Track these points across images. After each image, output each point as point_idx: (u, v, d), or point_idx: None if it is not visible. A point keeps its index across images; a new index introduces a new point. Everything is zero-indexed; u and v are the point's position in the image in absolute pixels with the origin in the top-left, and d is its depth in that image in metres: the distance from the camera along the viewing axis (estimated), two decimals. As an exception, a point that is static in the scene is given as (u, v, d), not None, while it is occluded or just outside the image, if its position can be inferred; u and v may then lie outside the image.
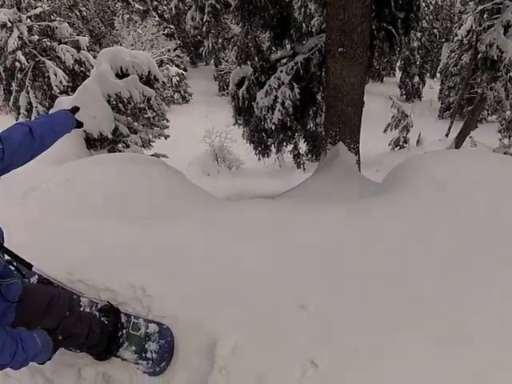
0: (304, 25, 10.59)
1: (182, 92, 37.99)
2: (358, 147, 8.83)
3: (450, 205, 3.60)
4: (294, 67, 9.44)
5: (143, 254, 3.29)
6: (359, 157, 8.89)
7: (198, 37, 43.77)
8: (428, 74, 54.29)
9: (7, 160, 1.99)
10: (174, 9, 10.22)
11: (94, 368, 2.68)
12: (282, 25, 10.06)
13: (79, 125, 2.74)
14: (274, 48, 10.81)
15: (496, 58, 13.40)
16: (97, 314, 2.76)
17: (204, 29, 9.61)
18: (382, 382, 2.33)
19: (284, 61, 10.13)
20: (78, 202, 4.25)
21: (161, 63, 34.72)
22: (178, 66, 37.67)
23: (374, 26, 8.92)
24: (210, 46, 10.43)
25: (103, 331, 2.65)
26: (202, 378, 2.49)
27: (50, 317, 2.29)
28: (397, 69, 51.97)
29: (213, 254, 3.29)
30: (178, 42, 38.82)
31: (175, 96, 37.22)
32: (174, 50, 36.74)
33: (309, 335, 2.57)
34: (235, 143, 18.51)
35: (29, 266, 2.20)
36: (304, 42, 10.22)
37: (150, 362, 2.64)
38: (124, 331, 2.73)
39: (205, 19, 9.10)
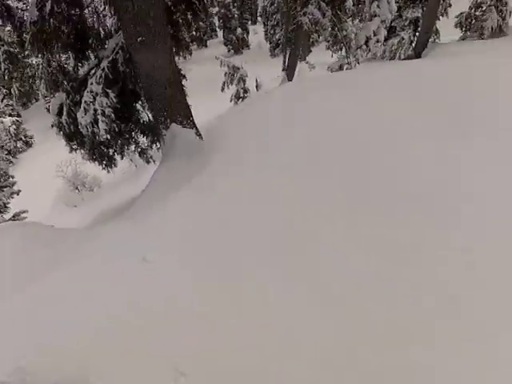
0: (101, 29, 10.43)
1: (23, 138, 36.39)
2: (193, 120, 8.85)
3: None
4: (102, 74, 9.28)
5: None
6: (197, 128, 8.95)
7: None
8: (249, 22, 55.21)
9: None
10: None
11: None
12: (81, 38, 9.81)
13: None
14: (79, 64, 10.54)
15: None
16: None
17: (6, 78, 9.28)
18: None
19: (93, 71, 9.94)
20: None
21: (-6, 119, 33.26)
22: (10, 114, 36.08)
23: (170, 2, 8.92)
24: (17, 91, 10.13)
25: None
26: None
27: None
28: (217, 29, 52.46)
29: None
30: (4, 91, 37.00)
31: (18, 145, 35.62)
32: (2, 100, 35.16)
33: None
34: (86, 164, 18.17)
35: None
36: (106, 46, 10.06)
37: None
38: None
39: (3, 67, 8.74)
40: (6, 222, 10.24)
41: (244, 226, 3.92)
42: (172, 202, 4.73)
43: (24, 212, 12.83)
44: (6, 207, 12.50)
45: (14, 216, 12.53)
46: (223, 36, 49.55)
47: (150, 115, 11.16)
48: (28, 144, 36.76)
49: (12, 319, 3.35)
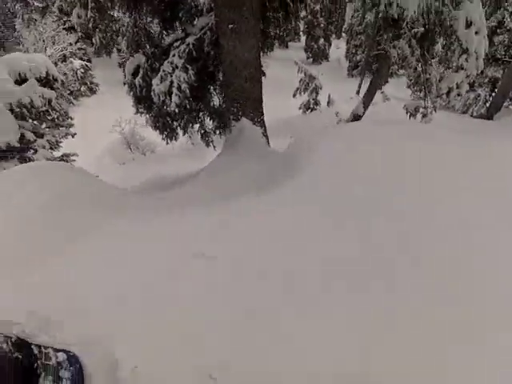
0: (193, 4, 10.47)
1: (89, 84, 36.81)
2: (263, 119, 8.89)
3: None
4: (186, 49, 9.36)
5: (46, 280, 3.25)
6: (265, 129, 8.95)
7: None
8: (334, 36, 55.02)
9: None
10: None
11: (19, 401, 2.76)
12: (171, 8, 9.92)
13: None
14: (165, 32, 10.64)
15: (397, 17, 13.46)
16: (12, 349, 2.76)
17: (90, 25, 9.36)
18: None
19: (177, 44, 9.99)
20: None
21: (64, 58, 33.67)
22: (81, 58, 36.54)
23: (266, -2, 8.93)
24: (98, 41, 10.24)
25: (16, 372, 2.68)
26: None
27: None
28: (301, 33, 52.37)
29: (112, 275, 3.29)
30: (80, 33, 37.48)
31: (82, 89, 36.05)
32: (76, 42, 35.62)
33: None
34: (147, 128, 18.29)
35: None
36: (195, 23, 10.10)
37: (67, 389, 2.74)
38: (38, 362, 2.74)
39: (89, 15, 8.84)
40: (55, 161, 10.37)
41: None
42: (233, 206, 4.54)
43: (74, 155, 12.96)
44: (58, 145, 12.59)
45: (62, 156, 12.66)
46: (306, 42, 49.46)
47: (220, 101, 11.20)
48: (92, 91, 37.25)
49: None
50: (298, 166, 4.62)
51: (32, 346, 2.76)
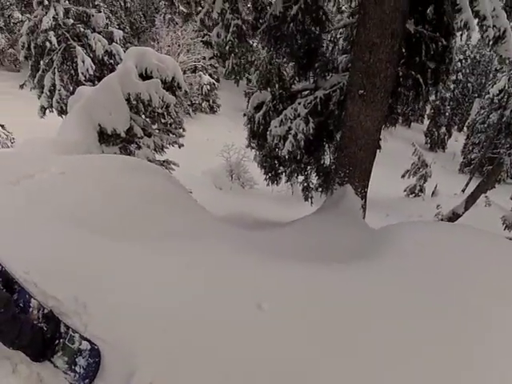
0: (331, 60, 10.53)
1: (211, 102, 38.00)
2: (366, 192, 8.67)
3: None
4: (313, 101, 9.36)
5: (98, 272, 3.24)
6: (365, 201, 8.73)
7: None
8: (456, 127, 54.27)
9: None
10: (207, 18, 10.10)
11: (28, 366, 2.83)
12: (309, 56, 10.03)
13: None
14: (296, 78, 10.80)
15: (520, 126, 12.98)
16: (40, 318, 2.90)
17: (227, 48, 9.56)
18: None
19: (305, 93, 10.04)
20: (62, 203, 4.13)
21: (194, 69, 34.90)
22: (211, 75, 37.78)
23: (401, 73, 8.80)
24: (230, 66, 10.40)
25: (35, 336, 2.79)
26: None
27: None
28: (425, 116, 51.91)
29: (162, 287, 3.23)
30: (216, 51, 38.94)
31: (203, 104, 37.21)
32: (210, 58, 36.94)
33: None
34: (252, 163, 18.52)
35: None
36: (328, 78, 10.13)
37: (77, 375, 2.79)
38: (61, 340, 2.87)
39: (228, 38, 9.04)
40: (156, 165, 10.54)
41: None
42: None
43: (175, 164, 13.15)
44: (162, 149, 12.80)
45: (164, 161, 12.87)
46: (428, 127, 49.08)
47: (331, 161, 11.11)
48: (212, 109, 38.33)
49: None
50: (387, 252, 4.38)
51: (61, 325, 2.92)
